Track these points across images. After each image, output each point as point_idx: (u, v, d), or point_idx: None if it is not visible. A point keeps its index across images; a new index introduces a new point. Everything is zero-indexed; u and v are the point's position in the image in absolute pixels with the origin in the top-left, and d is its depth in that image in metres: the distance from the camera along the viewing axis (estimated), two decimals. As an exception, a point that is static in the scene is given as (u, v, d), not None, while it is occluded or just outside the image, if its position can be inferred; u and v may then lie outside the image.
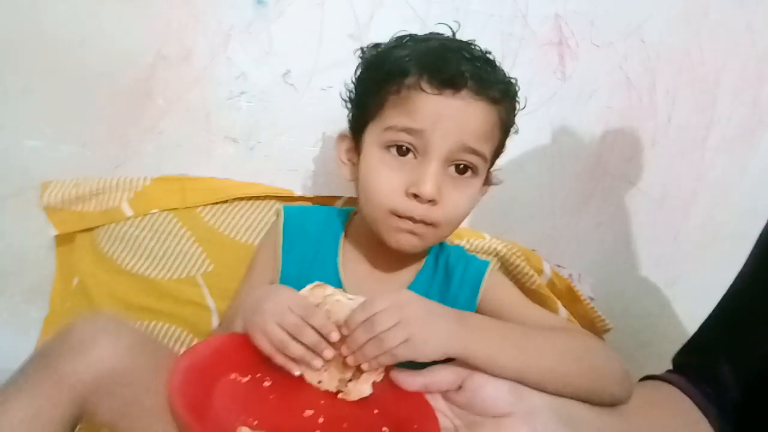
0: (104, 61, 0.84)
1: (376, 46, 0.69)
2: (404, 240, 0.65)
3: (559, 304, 0.92)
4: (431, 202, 0.62)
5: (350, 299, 0.58)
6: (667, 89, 1.00)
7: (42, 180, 0.84)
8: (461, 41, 0.68)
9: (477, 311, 0.72)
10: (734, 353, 0.65)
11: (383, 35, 0.74)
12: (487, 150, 0.65)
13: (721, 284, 0.72)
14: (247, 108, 0.88)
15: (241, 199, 0.88)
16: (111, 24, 0.82)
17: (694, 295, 1.01)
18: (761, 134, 1.07)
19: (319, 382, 0.57)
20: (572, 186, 1.02)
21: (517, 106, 0.69)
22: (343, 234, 0.76)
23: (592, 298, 1.01)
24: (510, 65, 0.92)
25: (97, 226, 0.85)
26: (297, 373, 0.56)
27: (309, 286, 0.60)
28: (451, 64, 0.61)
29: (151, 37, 0.84)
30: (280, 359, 0.56)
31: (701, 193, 1.09)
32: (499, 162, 0.96)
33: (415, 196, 0.62)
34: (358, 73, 0.70)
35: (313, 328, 0.55)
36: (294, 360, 0.56)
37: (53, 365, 0.51)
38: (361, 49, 0.70)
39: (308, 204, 0.90)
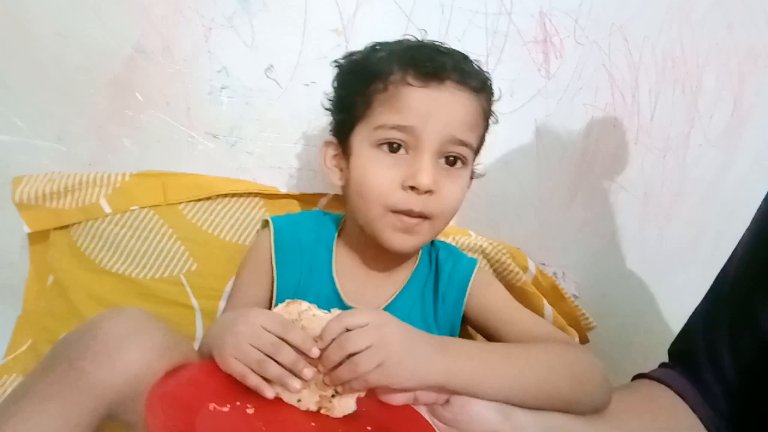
0: (81, 54, 0.81)
1: (351, 54, 0.71)
2: (400, 240, 0.65)
3: (544, 301, 0.92)
4: (429, 193, 0.63)
5: (326, 313, 0.56)
6: (650, 88, 1.01)
7: (15, 176, 0.81)
8: (431, 41, 0.70)
9: (464, 310, 0.72)
10: (732, 332, 0.64)
11: (367, 31, 0.73)
12: (473, 140, 0.66)
13: (706, 281, 0.72)
14: (229, 103, 0.86)
15: (225, 195, 0.86)
16: (88, 16, 0.80)
17: (679, 292, 1.01)
18: (742, 133, 1.08)
19: (299, 401, 0.54)
20: (557, 184, 1.02)
21: (493, 98, 0.70)
22: (335, 240, 0.75)
23: (576, 296, 1.01)
24: (495, 62, 0.93)
25: (74, 224, 0.83)
26: (271, 395, 0.53)
27: (282, 304, 0.58)
28: (432, 57, 0.63)
29: (130, 29, 0.82)
30: (252, 380, 0.52)
31: (685, 190, 1.09)
32: (485, 159, 0.98)
33: (412, 188, 0.62)
34: (340, 79, 0.71)
35: (292, 345, 0.52)
36: (269, 381, 0.53)
37: (81, 371, 0.49)
38: (336, 61, 0.72)
39: (293, 201, 0.89)
